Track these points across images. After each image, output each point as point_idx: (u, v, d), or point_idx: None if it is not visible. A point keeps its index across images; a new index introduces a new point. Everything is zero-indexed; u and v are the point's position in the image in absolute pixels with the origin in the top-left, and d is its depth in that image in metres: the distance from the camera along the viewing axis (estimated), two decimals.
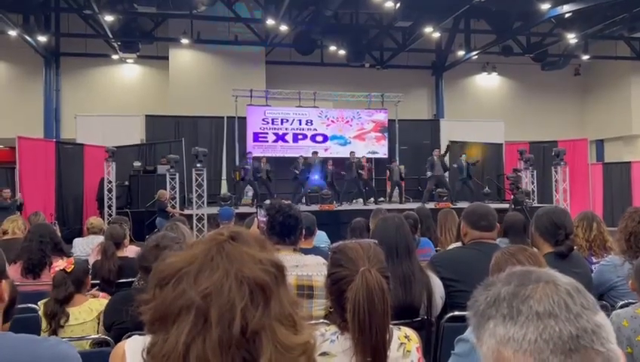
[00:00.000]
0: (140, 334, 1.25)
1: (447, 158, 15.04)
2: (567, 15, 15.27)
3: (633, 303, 2.26)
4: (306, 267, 2.57)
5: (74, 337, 2.75)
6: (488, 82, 21.43)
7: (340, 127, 17.49)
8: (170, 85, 17.74)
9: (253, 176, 13.21)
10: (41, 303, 2.97)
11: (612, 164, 17.93)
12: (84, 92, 18.37)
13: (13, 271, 3.69)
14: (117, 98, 18.38)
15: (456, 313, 2.53)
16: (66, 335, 2.82)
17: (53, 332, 2.85)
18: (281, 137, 16.89)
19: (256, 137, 16.65)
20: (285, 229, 2.69)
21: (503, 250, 2.11)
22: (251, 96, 16.37)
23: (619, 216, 3.28)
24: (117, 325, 2.53)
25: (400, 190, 14.85)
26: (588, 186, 16.09)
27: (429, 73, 21.07)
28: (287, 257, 2.53)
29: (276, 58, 19.07)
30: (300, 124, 17.10)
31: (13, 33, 15.31)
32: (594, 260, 3.45)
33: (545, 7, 14.34)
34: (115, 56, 18.54)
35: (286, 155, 15.83)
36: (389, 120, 17.87)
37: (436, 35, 17.10)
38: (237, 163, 15.80)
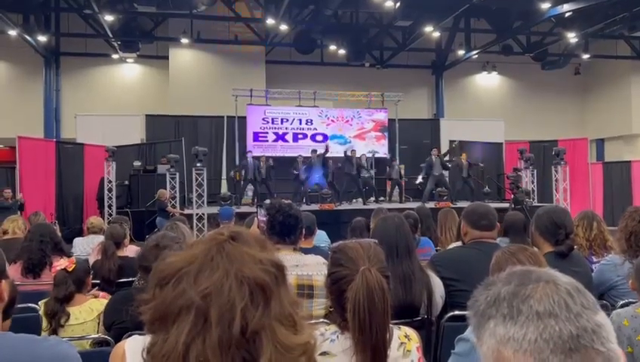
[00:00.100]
0: (140, 334, 1.25)
1: (446, 158, 15.03)
2: (567, 14, 15.26)
3: (633, 302, 2.26)
4: (306, 266, 2.57)
5: (74, 337, 2.75)
6: (488, 81, 21.43)
7: (340, 126, 17.49)
8: (170, 85, 17.74)
9: (253, 176, 13.20)
10: (41, 302, 2.97)
11: (612, 163, 17.92)
12: (84, 92, 18.37)
13: (14, 270, 3.69)
14: (117, 98, 18.38)
15: (457, 312, 2.53)
16: (67, 334, 2.82)
17: (54, 331, 2.86)
18: (281, 137, 16.89)
19: (256, 137, 16.65)
20: (285, 229, 2.69)
21: (504, 250, 2.11)
22: (251, 96, 16.37)
23: (619, 216, 3.28)
24: (117, 325, 2.53)
25: (400, 189, 14.84)
26: (588, 185, 16.09)
27: (429, 72, 21.07)
28: (288, 257, 2.53)
29: (276, 57, 19.07)
30: (300, 123, 17.10)
31: (13, 33, 15.31)
32: (594, 259, 3.44)
33: (545, 6, 14.33)
34: (115, 56, 18.55)
35: (286, 155, 15.82)
36: (389, 119, 17.87)
37: (436, 34, 17.10)
38: (237, 162, 15.81)
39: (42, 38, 16.34)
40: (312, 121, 17.17)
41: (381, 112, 17.95)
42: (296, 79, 18.47)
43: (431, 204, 12.37)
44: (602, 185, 16.90)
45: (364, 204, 13.75)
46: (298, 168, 13.66)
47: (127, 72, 19.17)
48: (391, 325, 1.59)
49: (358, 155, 14.24)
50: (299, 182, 13.70)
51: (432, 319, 2.52)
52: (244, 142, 16.39)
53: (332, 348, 1.61)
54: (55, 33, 17.68)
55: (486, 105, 20.78)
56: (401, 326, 1.75)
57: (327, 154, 13.82)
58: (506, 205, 12.40)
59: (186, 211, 11.69)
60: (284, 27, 16.25)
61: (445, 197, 13.60)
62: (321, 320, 2.21)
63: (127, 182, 13.85)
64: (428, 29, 15.69)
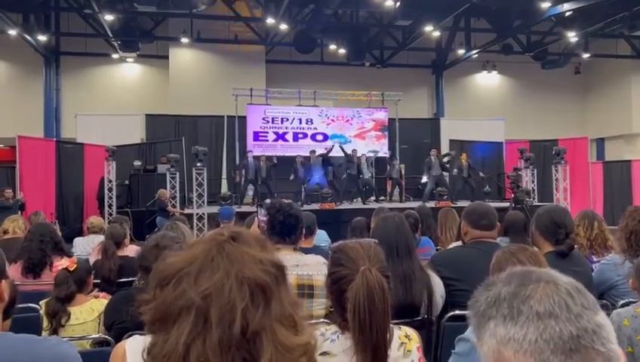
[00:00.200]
0: (140, 334, 1.25)
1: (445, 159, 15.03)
2: (567, 13, 15.26)
3: (634, 302, 2.26)
4: (306, 266, 2.57)
5: (75, 337, 2.75)
6: (488, 81, 21.42)
7: (340, 125, 17.49)
8: (170, 84, 17.74)
9: (254, 176, 13.20)
10: (42, 302, 2.98)
11: (612, 162, 17.92)
12: (85, 91, 18.37)
13: (14, 270, 3.69)
14: (117, 97, 18.38)
15: (457, 312, 2.53)
16: (67, 334, 2.83)
17: (54, 331, 2.86)
18: (281, 136, 16.89)
19: (257, 136, 16.64)
20: (286, 228, 2.68)
21: (504, 249, 2.11)
22: (251, 95, 16.36)
23: (619, 215, 3.28)
24: (117, 325, 2.53)
25: (400, 189, 14.84)
26: (588, 185, 16.09)
27: (429, 72, 21.07)
28: (288, 256, 2.53)
29: (276, 57, 19.06)
30: (300, 123, 17.09)
31: (13, 32, 15.31)
32: (594, 259, 3.44)
33: (545, 5, 14.33)
34: (115, 56, 18.55)
35: (286, 154, 15.82)
36: (389, 119, 17.87)
37: (436, 33, 17.09)
38: (237, 162, 15.81)
39: (42, 38, 16.34)
40: (312, 120, 17.16)
41: (381, 112, 17.95)
42: (297, 79, 18.47)
43: (431, 204, 12.36)
44: (602, 184, 16.90)
45: (364, 203, 13.75)
46: (297, 169, 13.66)
47: (127, 72, 19.17)
48: (391, 325, 1.59)
49: (358, 155, 14.25)
50: (298, 183, 13.70)
51: (433, 319, 2.52)
52: (245, 142, 16.38)
53: (332, 348, 1.61)
54: (55, 33, 17.68)
55: (486, 104, 20.77)
56: (401, 326, 1.75)
57: (330, 154, 13.83)
58: (507, 204, 12.40)
59: (186, 211, 11.69)
60: (284, 26, 16.24)
61: (445, 197, 13.60)
62: (322, 320, 2.21)
63: (127, 182, 13.85)
64: (428, 28, 15.68)
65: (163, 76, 18.22)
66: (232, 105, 15.97)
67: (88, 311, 2.96)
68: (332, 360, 1.59)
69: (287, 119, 16.96)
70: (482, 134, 17.28)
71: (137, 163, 14.47)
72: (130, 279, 3.50)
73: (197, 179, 11.79)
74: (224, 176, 16.39)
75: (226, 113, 16.45)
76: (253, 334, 0.79)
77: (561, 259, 2.75)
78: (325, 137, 17.17)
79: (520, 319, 0.70)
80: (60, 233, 4.66)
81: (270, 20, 15.61)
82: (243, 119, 16.50)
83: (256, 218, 3.12)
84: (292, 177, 13.67)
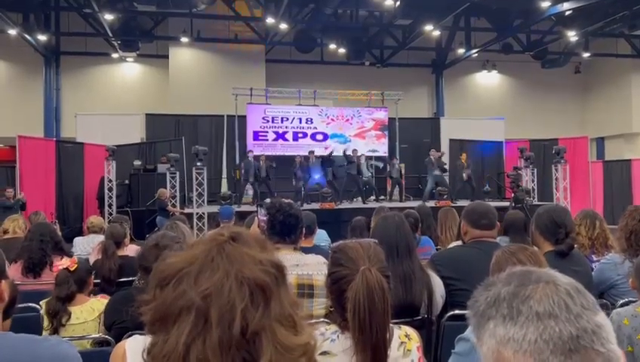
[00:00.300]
0: (140, 334, 1.25)
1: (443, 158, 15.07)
2: (567, 12, 15.26)
3: (634, 301, 2.26)
4: (306, 266, 2.57)
5: (75, 336, 2.76)
6: (488, 80, 21.43)
7: (340, 125, 17.48)
8: (170, 84, 17.74)
9: (253, 176, 13.20)
10: (43, 302, 2.98)
11: (612, 161, 17.92)
12: (85, 91, 18.37)
13: (14, 270, 3.69)
14: (117, 97, 18.39)
15: (457, 312, 2.53)
16: (67, 334, 2.83)
17: (55, 330, 2.86)
18: (281, 136, 16.88)
19: (257, 136, 16.64)
20: (286, 228, 2.68)
21: (504, 249, 2.11)
22: (251, 95, 16.36)
23: (619, 214, 3.28)
24: (117, 324, 2.53)
25: (400, 188, 14.85)
26: (588, 184, 16.08)
27: (429, 71, 21.07)
28: (288, 256, 2.53)
29: (276, 56, 19.07)
30: (300, 122, 17.09)
31: (13, 32, 15.31)
32: (594, 258, 3.44)
33: (545, 4, 14.33)
34: (115, 55, 18.56)
35: (286, 154, 15.82)
36: (389, 118, 17.86)
37: (436, 33, 17.10)
38: (237, 161, 15.81)
39: (42, 38, 16.34)
40: (312, 119, 17.16)
41: (381, 111, 17.94)
42: (296, 78, 18.47)
43: (431, 203, 12.37)
44: (602, 183, 16.89)
45: (364, 202, 13.76)
46: (296, 169, 13.67)
47: (127, 71, 19.17)
48: (391, 324, 1.59)
49: (358, 155, 14.26)
50: (298, 183, 13.70)
51: (433, 318, 2.53)
52: (245, 141, 16.38)
53: (332, 347, 1.61)
54: (55, 32, 17.68)
55: (486, 103, 20.78)
56: (401, 326, 1.75)
57: (324, 153, 13.85)
58: (507, 204, 12.40)
59: (186, 210, 11.69)
60: (284, 26, 16.24)
61: (445, 196, 13.60)
62: (322, 319, 2.21)
63: (127, 182, 13.86)
64: (428, 27, 15.68)
65: (163, 76, 18.22)
66: (232, 104, 15.97)
67: (89, 311, 2.97)
68: (332, 359, 1.59)
69: (287, 119, 16.96)
70: (482, 133, 17.28)
71: (137, 162, 14.47)
72: (131, 279, 3.50)
73: (197, 178, 11.79)
74: (224, 175, 16.39)
75: (225, 113, 16.45)
76: (252, 334, 0.79)
77: (561, 258, 2.75)
78: (325, 137, 17.17)
79: (519, 319, 0.70)
80: (60, 233, 4.66)
81: (270, 20, 15.61)
82: (243, 118, 16.50)
83: (256, 218, 3.12)
84: (294, 182, 13.69)
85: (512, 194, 12.60)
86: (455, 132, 17.36)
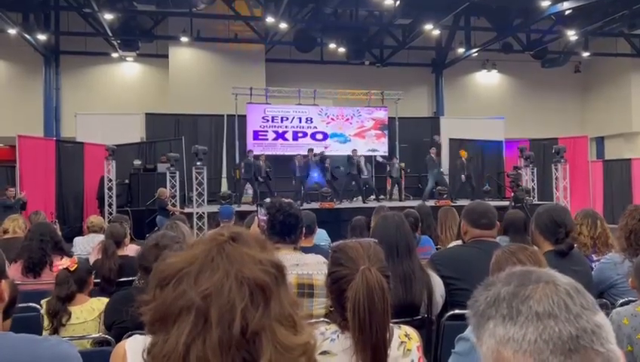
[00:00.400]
0: (140, 333, 1.25)
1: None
2: (567, 12, 15.27)
3: (633, 301, 2.26)
4: (306, 266, 2.57)
5: (75, 336, 2.76)
6: (488, 79, 21.43)
7: (340, 124, 17.49)
8: (170, 83, 17.74)
9: (253, 175, 13.21)
10: (43, 301, 2.98)
11: (612, 161, 17.93)
12: (84, 90, 18.37)
13: (14, 270, 3.69)
14: (117, 96, 18.38)
15: (457, 311, 2.53)
16: (68, 333, 2.83)
17: (55, 330, 2.87)
18: (281, 135, 16.88)
19: (256, 135, 16.64)
20: (286, 228, 2.68)
21: (504, 249, 2.11)
22: (251, 94, 16.36)
23: (619, 214, 3.28)
24: (117, 324, 2.53)
25: (400, 188, 14.86)
26: (588, 184, 16.08)
27: (429, 71, 21.07)
28: (288, 256, 2.53)
29: (276, 56, 19.06)
30: (300, 122, 17.09)
31: (12, 32, 15.31)
32: (594, 258, 3.44)
33: (545, 4, 14.33)
34: (114, 55, 18.55)
35: (286, 153, 15.83)
36: (389, 117, 17.87)
37: (436, 32, 17.10)
38: (237, 161, 15.81)
39: (42, 37, 16.34)
40: (311, 119, 17.16)
41: (381, 110, 17.95)
42: (296, 77, 18.47)
43: (431, 202, 12.37)
44: (602, 183, 16.90)
45: (364, 202, 13.77)
46: (294, 168, 13.67)
47: (127, 71, 19.17)
48: (391, 324, 1.60)
49: (357, 154, 14.27)
50: (298, 182, 13.71)
51: (433, 318, 2.53)
52: (244, 141, 16.38)
53: (332, 347, 1.61)
54: (55, 32, 17.67)
55: (486, 103, 20.78)
56: (401, 326, 1.75)
57: (327, 153, 13.86)
58: (507, 203, 12.40)
59: (186, 210, 11.69)
60: (283, 25, 16.24)
61: (445, 196, 13.61)
62: (322, 319, 2.21)
63: (127, 181, 13.86)
64: (428, 27, 15.68)
65: (163, 75, 18.22)
66: (232, 104, 15.97)
67: (89, 311, 2.97)
68: (332, 359, 1.60)
69: (287, 118, 16.96)
70: (482, 133, 17.28)
71: (137, 162, 14.47)
72: (131, 278, 3.50)
73: (197, 178, 11.78)
74: (224, 175, 16.40)
75: (225, 112, 16.45)
76: (252, 334, 0.80)
77: (561, 258, 2.75)
78: (325, 136, 17.18)
79: (519, 319, 0.70)
80: (59, 232, 4.66)
81: (270, 19, 15.60)
82: (243, 118, 16.50)
83: (256, 217, 3.12)
84: (294, 182, 13.69)
85: (512, 194, 12.61)
86: (455, 131, 17.36)
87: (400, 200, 14.39)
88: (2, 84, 17.97)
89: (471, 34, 18.42)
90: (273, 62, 18.92)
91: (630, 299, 2.60)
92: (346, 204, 13.50)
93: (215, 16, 16.70)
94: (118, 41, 17.12)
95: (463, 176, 14.27)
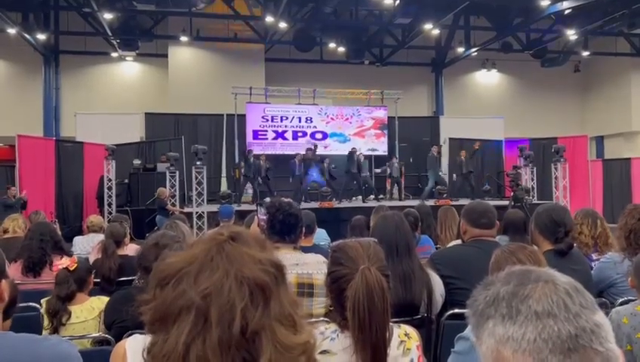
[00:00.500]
0: (140, 333, 1.25)
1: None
2: (566, 11, 15.26)
3: (633, 300, 2.27)
4: (306, 265, 2.57)
5: (75, 336, 2.76)
6: (488, 79, 21.42)
7: (339, 124, 17.49)
8: (169, 83, 17.73)
9: (253, 175, 13.20)
10: (43, 301, 2.98)
11: (612, 160, 17.94)
12: (84, 90, 18.36)
13: (14, 269, 3.69)
14: (116, 96, 18.37)
15: (456, 311, 2.53)
16: (68, 333, 2.83)
17: (55, 329, 2.87)
18: (280, 135, 16.89)
19: (256, 135, 16.64)
20: (286, 228, 2.69)
21: (503, 248, 2.11)
22: (251, 94, 16.36)
23: (619, 213, 3.28)
24: (117, 324, 2.53)
25: (399, 187, 14.86)
26: (588, 183, 16.09)
27: (429, 70, 21.07)
28: (288, 255, 2.53)
29: (275, 55, 19.05)
30: (300, 121, 17.09)
31: (12, 31, 15.29)
32: (594, 257, 3.45)
33: (545, 3, 14.33)
34: (114, 54, 18.54)
35: (286, 153, 15.83)
36: (388, 117, 17.87)
37: (436, 31, 17.09)
38: (237, 160, 15.81)
39: (41, 37, 16.32)
40: (311, 118, 17.16)
41: (381, 110, 17.95)
42: (296, 77, 18.47)
43: (431, 202, 12.37)
44: (602, 182, 16.90)
45: (364, 201, 13.77)
46: (294, 167, 13.67)
47: (127, 71, 19.16)
48: (391, 323, 1.60)
49: (357, 153, 14.26)
50: (297, 181, 13.71)
51: (432, 317, 2.53)
52: (244, 141, 16.39)
53: (332, 346, 1.61)
54: (54, 31, 17.66)
55: (486, 102, 20.77)
56: (401, 325, 1.75)
57: (327, 152, 13.85)
58: (506, 203, 12.40)
59: (186, 209, 11.69)
60: (283, 25, 16.22)
61: (445, 195, 13.61)
62: (321, 318, 2.22)
63: (126, 181, 13.86)
64: (427, 26, 15.67)
65: (162, 75, 18.21)
66: (232, 103, 15.97)
67: (89, 310, 2.97)
68: (332, 358, 1.60)
69: (287, 117, 16.97)
70: (482, 132, 17.27)
71: (137, 161, 14.47)
72: (130, 278, 3.50)
73: (196, 177, 11.78)
74: (224, 174, 16.40)
75: (225, 112, 16.46)
76: (252, 333, 0.80)
77: (561, 257, 2.75)
78: (325, 135, 17.18)
79: (519, 318, 0.70)
80: (59, 232, 4.66)
81: (269, 19, 15.59)
82: (242, 117, 16.50)
83: (255, 217, 3.12)
84: (291, 180, 13.69)
85: (512, 193, 12.60)
86: (454, 131, 17.37)
87: (400, 199, 14.39)
88: (2, 84, 17.96)
89: (470, 33, 18.41)
90: (273, 61, 18.92)
91: (630, 298, 2.60)
92: (345, 204, 13.49)
93: (215, 15, 16.69)
94: (118, 41, 17.11)
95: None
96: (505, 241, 3.32)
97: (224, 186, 15.81)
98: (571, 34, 16.88)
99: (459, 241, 3.22)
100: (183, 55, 17.93)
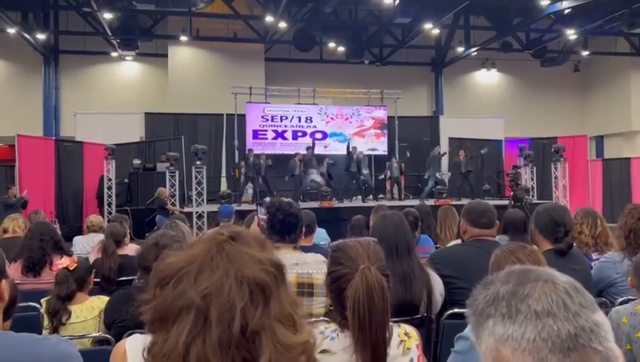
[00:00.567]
0: (140, 333, 1.25)
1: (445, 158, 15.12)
2: (566, 11, 15.27)
3: (632, 300, 2.27)
4: (306, 265, 2.57)
5: (75, 335, 2.76)
6: (488, 79, 21.42)
7: (339, 124, 17.49)
8: (169, 83, 17.73)
9: (252, 174, 13.20)
10: (43, 300, 2.98)
11: (612, 160, 17.94)
12: (84, 90, 18.36)
13: (14, 269, 3.69)
14: (116, 96, 18.37)
15: (456, 310, 2.54)
16: (68, 333, 2.83)
17: (55, 329, 2.87)
18: (280, 134, 16.89)
19: (256, 135, 16.64)
20: (286, 227, 2.69)
21: (503, 248, 2.11)
22: (250, 94, 16.36)
23: (618, 213, 3.28)
24: (117, 323, 2.53)
25: (399, 187, 14.86)
26: (587, 183, 16.10)
27: (429, 70, 21.07)
28: (288, 255, 2.53)
29: (275, 55, 19.05)
30: (300, 121, 17.09)
31: (12, 31, 15.29)
32: (593, 257, 3.45)
33: (544, 3, 14.33)
34: (114, 54, 18.54)
35: (285, 153, 15.83)
36: (388, 117, 17.87)
37: (436, 31, 17.08)
38: (236, 160, 15.81)
39: (41, 36, 16.31)
40: (311, 118, 17.16)
41: (380, 110, 17.95)
42: (296, 77, 18.47)
43: (430, 202, 12.38)
44: (602, 182, 16.91)
45: (364, 201, 13.77)
46: (295, 168, 13.67)
47: (127, 70, 19.16)
48: (391, 323, 1.60)
49: (357, 152, 14.25)
50: (296, 180, 13.71)
51: (432, 317, 2.53)
52: (244, 140, 16.39)
53: (332, 345, 1.61)
54: (54, 31, 17.65)
55: (485, 102, 20.78)
56: (400, 324, 1.75)
57: (327, 152, 13.84)
58: (506, 202, 12.40)
59: (186, 209, 11.69)
60: (283, 25, 16.21)
61: (445, 195, 13.61)
62: (321, 318, 2.22)
63: (126, 181, 13.86)
64: (427, 26, 15.67)
65: (162, 74, 18.21)
66: (232, 103, 15.96)
67: (89, 309, 2.97)
68: (332, 358, 1.60)
69: (287, 117, 16.97)
70: (481, 132, 17.27)
71: (137, 161, 14.47)
72: (130, 278, 3.50)
73: (196, 177, 11.78)
74: (223, 174, 16.40)
75: (225, 111, 16.46)
76: (252, 333, 0.80)
77: (560, 257, 2.75)
78: (324, 135, 17.18)
79: (518, 318, 0.70)
80: (59, 232, 4.66)
81: (269, 18, 15.59)
82: (242, 117, 16.50)
83: (255, 217, 3.12)
84: (287, 178, 13.68)
85: (512, 193, 12.60)
86: (454, 130, 17.37)
87: (399, 199, 14.39)
88: (2, 84, 17.96)
89: (470, 33, 18.41)
90: (272, 61, 18.92)
91: (629, 297, 2.61)
92: (345, 203, 13.49)
93: (214, 15, 16.68)
94: (118, 41, 17.10)
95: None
96: (505, 241, 3.32)
97: (224, 186, 15.80)
98: (571, 33, 16.89)
99: (459, 241, 3.22)
100: (183, 55, 17.92)
